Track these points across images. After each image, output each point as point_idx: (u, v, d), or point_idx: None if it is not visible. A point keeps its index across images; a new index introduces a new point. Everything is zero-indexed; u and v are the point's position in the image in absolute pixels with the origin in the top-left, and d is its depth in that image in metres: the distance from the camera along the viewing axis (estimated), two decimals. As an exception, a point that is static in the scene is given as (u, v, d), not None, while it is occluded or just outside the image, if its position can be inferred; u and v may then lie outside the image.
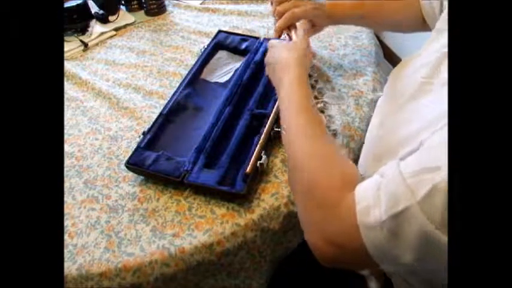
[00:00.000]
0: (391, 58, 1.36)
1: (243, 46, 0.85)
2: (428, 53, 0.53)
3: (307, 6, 0.69)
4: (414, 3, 0.64)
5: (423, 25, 0.66)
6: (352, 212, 0.38)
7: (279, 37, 0.70)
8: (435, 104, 0.44)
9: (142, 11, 1.10)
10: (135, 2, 1.10)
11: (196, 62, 0.83)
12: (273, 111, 0.68)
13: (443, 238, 0.33)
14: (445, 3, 0.59)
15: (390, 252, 0.37)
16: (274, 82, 0.61)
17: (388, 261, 0.38)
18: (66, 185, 0.65)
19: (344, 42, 0.88)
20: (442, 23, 0.53)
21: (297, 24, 0.69)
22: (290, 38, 0.69)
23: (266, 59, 0.65)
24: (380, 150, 0.52)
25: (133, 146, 0.66)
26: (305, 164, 0.47)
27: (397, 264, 0.38)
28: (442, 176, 0.33)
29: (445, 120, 0.37)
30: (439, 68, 0.49)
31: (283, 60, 0.60)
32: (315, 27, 0.73)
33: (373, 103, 0.71)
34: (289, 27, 0.70)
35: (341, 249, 0.41)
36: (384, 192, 0.37)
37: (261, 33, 0.92)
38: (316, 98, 0.72)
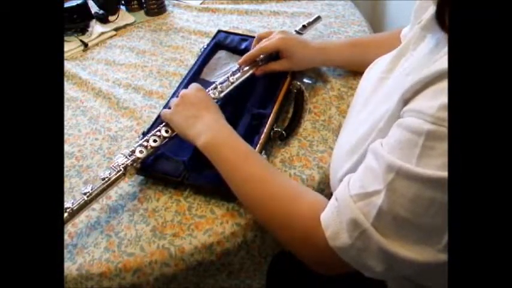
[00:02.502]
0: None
1: (243, 46, 0.84)
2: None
3: (277, 37, 0.72)
4: (397, 37, 0.63)
5: None
6: (325, 239, 0.43)
7: (243, 65, 0.73)
8: (381, 104, 0.46)
9: (142, 11, 1.10)
10: (135, 2, 1.09)
11: (196, 62, 0.83)
12: (273, 111, 0.68)
13: (400, 250, 0.38)
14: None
15: (366, 264, 0.41)
16: (190, 136, 0.58)
17: (367, 271, 0.42)
18: (66, 185, 0.65)
19: (344, 42, 0.88)
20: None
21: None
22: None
23: (170, 117, 0.61)
24: (339, 152, 0.53)
25: (133, 146, 0.66)
26: (271, 207, 0.50)
27: (374, 273, 0.41)
28: (382, 197, 0.38)
29: (380, 124, 0.43)
30: (399, 60, 0.50)
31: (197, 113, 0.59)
32: (287, 58, 0.72)
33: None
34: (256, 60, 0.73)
35: (329, 266, 0.46)
36: (343, 218, 0.41)
37: (262, 32, 0.92)
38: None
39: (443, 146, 0.33)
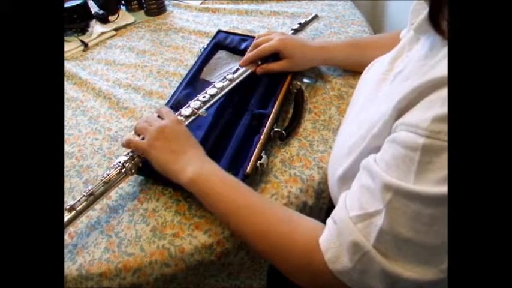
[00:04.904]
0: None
1: (243, 46, 0.84)
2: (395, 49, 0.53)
3: (276, 39, 0.73)
4: (397, 38, 0.63)
5: None
6: (324, 263, 0.42)
7: (244, 66, 0.73)
8: (378, 106, 0.45)
9: (142, 11, 1.10)
10: (135, 2, 1.09)
11: (196, 62, 0.83)
12: (273, 111, 0.68)
13: (402, 271, 0.37)
14: None
15: (366, 285, 0.40)
16: (173, 171, 0.54)
17: None
18: (66, 185, 0.65)
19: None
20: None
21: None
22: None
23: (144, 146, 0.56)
24: (337, 152, 0.53)
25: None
26: (267, 237, 0.48)
27: None
28: (382, 217, 0.37)
29: (375, 130, 0.42)
30: (396, 61, 0.50)
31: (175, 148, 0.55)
32: (287, 58, 0.73)
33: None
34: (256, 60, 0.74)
35: (328, 287, 0.44)
36: (343, 241, 0.41)
37: (261, 33, 0.92)
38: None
39: (440, 160, 0.33)
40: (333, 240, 0.42)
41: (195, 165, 0.53)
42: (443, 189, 0.33)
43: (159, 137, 0.56)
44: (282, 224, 0.48)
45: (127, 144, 0.58)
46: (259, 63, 0.74)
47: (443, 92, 0.33)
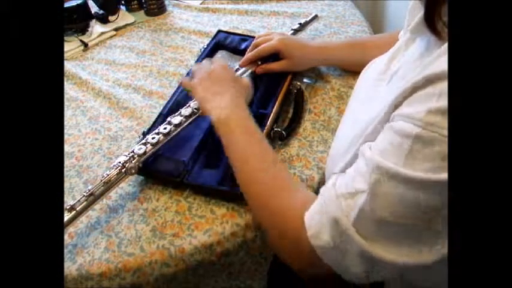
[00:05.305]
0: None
1: (243, 46, 0.85)
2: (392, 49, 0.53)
3: (276, 39, 0.73)
4: (396, 38, 0.63)
5: None
6: (306, 236, 0.43)
7: (244, 66, 0.74)
8: (374, 106, 0.45)
9: (142, 11, 1.10)
10: (135, 2, 1.09)
11: (196, 62, 0.83)
12: (273, 111, 0.68)
13: (379, 252, 0.38)
14: None
15: (346, 266, 0.41)
16: (207, 109, 0.60)
17: (346, 272, 0.42)
18: (66, 185, 0.65)
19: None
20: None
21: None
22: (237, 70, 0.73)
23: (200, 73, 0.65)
24: (335, 151, 0.54)
25: (133, 146, 0.66)
26: (263, 195, 0.50)
27: (354, 275, 0.42)
28: (364, 197, 0.38)
29: (369, 129, 0.43)
30: (392, 61, 0.51)
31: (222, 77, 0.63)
32: (287, 58, 0.73)
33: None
34: (255, 61, 0.74)
35: (310, 265, 0.46)
36: (326, 218, 0.41)
37: (261, 33, 0.92)
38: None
39: (430, 151, 0.34)
40: (316, 216, 0.43)
41: (226, 109, 0.57)
42: (431, 176, 0.34)
43: (205, 77, 0.64)
44: (282, 186, 0.50)
45: (181, 84, 0.69)
46: (259, 63, 0.74)
47: (439, 86, 0.34)
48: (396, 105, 0.39)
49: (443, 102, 0.32)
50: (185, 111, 0.64)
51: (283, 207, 0.48)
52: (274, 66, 0.73)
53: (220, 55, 0.85)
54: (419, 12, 0.40)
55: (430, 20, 0.37)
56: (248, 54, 0.74)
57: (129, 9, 1.10)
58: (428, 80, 0.35)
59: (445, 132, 0.32)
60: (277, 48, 0.72)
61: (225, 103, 0.58)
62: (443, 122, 0.32)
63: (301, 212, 0.45)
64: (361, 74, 0.61)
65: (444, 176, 0.33)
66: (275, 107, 0.68)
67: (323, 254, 0.42)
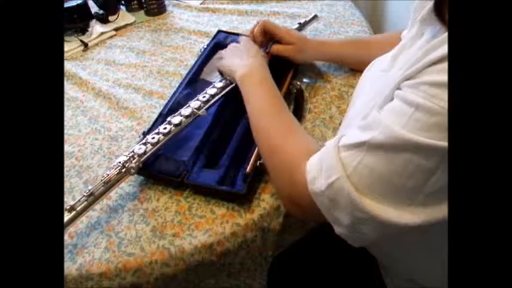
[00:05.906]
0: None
1: (243, 46, 0.84)
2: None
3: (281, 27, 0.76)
4: (398, 37, 0.63)
5: None
6: (305, 180, 0.45)
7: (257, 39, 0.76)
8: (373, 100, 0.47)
9: (142, 11, 1.10)
10: (135, 2, 1.10)
11: (196, 62, 0.83)
12: (273, 111, 0.67)
13: (366, 203, 0.40)
14: None
15: (334, 215, 0.43)
16: (229, 67, 0.68)
17: (335, 223, 0.44)
18: (66, 185, 0.65)
19: (344, 42, 0.88)
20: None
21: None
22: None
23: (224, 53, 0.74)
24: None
25: (133, 146, 0.66)
26: (272, 133, 0.54)
27: (340, 226, 0.44)
28: (364, 150, 0.40)
29: (378, 98, 0.44)
30: (396, 59, 0.51)
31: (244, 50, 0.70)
32: (292, 45, 0.74)
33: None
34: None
35: (302, 208, 0.49)
36: (324, 164, 0.44)
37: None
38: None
39: (429, 120, 0.35)
40: (317, 162, 0.45)
41: (250, 67, 0.65)
42: (425, 141, 0.36)
43: (232, 49, 0.73)
44: (288, 130, 0.54)
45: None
46: (271, 43, 0.75)
47: (442, 65, 0.35)
48: (400, 83, 0.40)
49: (444, 77, 0.34)
50: (185, 111, 0.64)
51: (289, 146, 0.51)
52: (281, 48, 0.74)
53: (220, 55, 0.85)
54: (427, 5, 0.42)
55: (439, 10, 0.38)
56: (254, 29, 0.76)
57: (129, 9, 1.11)
58: (430, 61, 0.36)
59: (444, 104, 0.34)
60: (281, 28, 0.75)
61: (246, 66, 0.65)
62: (443, 94, 0.34)
63: (304, 153, 0.48)
64: (364, 72, 0.61)
65: (440, 143, 0.35)
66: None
67: (316, 198, 0.44)
